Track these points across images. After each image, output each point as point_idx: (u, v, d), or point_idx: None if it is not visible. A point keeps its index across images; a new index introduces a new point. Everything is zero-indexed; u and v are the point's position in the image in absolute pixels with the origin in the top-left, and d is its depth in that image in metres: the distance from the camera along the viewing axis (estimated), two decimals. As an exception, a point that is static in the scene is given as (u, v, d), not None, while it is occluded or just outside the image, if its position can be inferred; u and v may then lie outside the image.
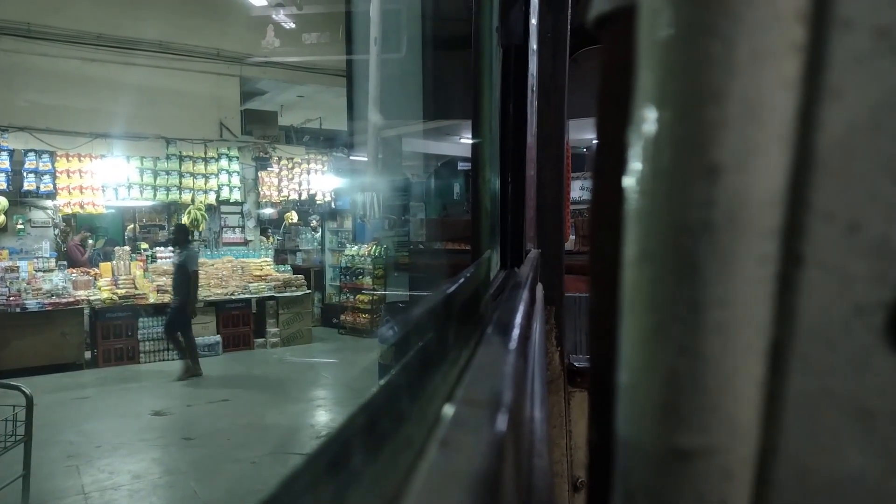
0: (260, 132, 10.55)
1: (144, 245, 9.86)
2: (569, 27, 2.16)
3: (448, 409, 0.40)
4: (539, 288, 1.69)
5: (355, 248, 10.96)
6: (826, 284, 0.27)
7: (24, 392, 3.17)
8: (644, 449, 0.29)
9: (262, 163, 10.42)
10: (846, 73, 0.26)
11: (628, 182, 0.29)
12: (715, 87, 0.26)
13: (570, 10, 2.15)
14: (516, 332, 0.69)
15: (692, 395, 0.27)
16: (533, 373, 0.90)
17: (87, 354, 8.12)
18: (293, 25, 8.46)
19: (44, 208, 8.80)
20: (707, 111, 0.26)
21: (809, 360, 0.28)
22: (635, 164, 0.29)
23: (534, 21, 1.78)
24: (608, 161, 0.40)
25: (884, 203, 0.27)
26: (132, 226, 10.76)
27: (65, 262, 8.72)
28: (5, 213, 8.32)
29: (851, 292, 0.27)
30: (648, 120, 0.28)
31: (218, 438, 5.28)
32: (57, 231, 8.98)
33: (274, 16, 8.15)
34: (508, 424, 0.39)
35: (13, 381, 3.26)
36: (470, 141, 1.29)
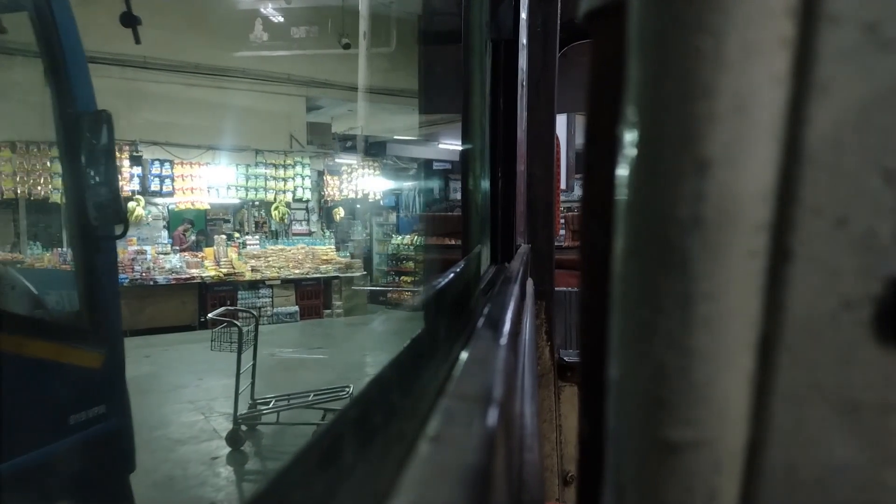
0: (319, 141, 12.65)
1: (236, 234, 11.83)
2: (558, 22, 2.16)
3: (439, 404, 0.40)
4: (529, 283, 1.69)
5: (399, 238, 13.39)
6: (814, 278, 0.28)
7: (254, 315, 5.34)
8: (634, 442, 0.29)
9: (332, 168, 12.87)
10: (834, 68, 0.27)
11: (618, 176, 0.29)
12: (704, 82, 0.26)
13: (559, 4, 2.15)
14: (507, 326, 0.68)
15: (681, 388, 0.28)
16: (523, 367, 0.90)
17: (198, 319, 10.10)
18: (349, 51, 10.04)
19: (156, 204, 10.85)
20: (697, 106, 0.26)
21: (798, 353, 0.28)
22: (625, 159, 0.29)
23: (524, 16, 1.78)
24: (598, 156, 0.40)
25: (871, 197, 0.27)
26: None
27: (178, 247, 10.79)
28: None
29: (839, 286, 0.28)
30: (638, 115, 0.28)
31: (328, 371, 7.06)
32: (165, 223, 11.07)
33: (332, 49, 9.92)
34: (499, 419, 0.39)
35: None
36: (459, 145, 1.29)
